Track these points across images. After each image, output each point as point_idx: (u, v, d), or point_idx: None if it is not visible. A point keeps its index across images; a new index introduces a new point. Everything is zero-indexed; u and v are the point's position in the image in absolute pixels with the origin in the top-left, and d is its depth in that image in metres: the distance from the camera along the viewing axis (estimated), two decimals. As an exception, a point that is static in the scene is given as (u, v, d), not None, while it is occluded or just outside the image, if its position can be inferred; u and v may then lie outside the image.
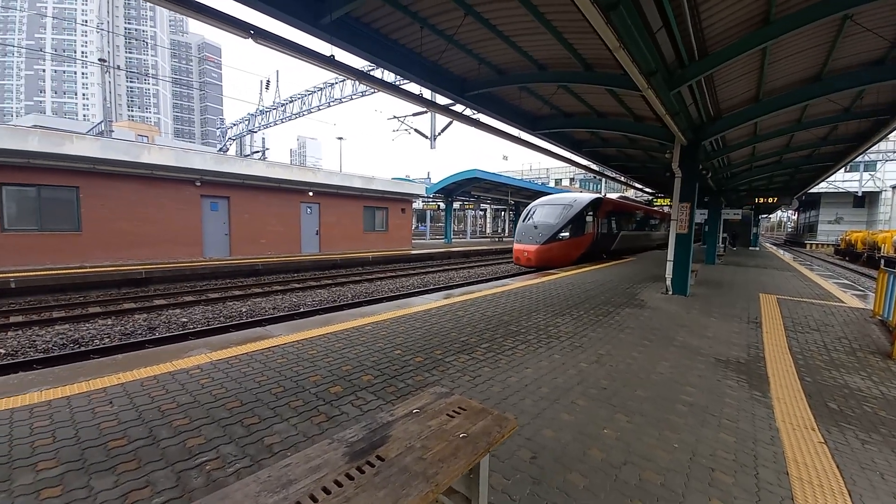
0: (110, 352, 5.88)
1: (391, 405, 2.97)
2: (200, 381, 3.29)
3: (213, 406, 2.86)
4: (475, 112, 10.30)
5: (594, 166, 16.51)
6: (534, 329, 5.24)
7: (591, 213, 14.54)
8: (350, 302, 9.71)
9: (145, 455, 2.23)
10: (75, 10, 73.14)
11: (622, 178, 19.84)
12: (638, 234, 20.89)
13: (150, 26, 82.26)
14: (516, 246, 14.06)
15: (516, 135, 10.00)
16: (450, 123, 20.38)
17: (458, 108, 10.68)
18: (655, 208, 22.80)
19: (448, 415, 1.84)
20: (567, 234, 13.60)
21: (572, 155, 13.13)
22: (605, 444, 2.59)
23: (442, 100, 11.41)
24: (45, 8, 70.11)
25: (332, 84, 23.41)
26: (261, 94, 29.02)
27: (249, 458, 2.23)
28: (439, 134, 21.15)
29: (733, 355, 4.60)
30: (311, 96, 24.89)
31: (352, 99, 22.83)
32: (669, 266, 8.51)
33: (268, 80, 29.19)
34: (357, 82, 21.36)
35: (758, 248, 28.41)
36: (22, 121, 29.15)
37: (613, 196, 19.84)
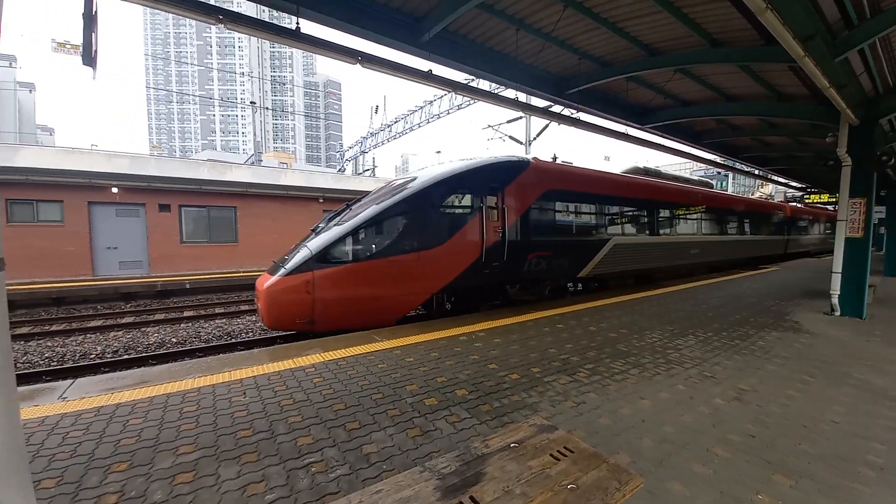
0: (251, 345, 6.93)
1: (486, 427, 2.81)
2: (314, 379, 3.59)
3: (322, 406, 3.07)
4: (575, 112, 9.67)
5: (718, 159, 13.83)
6: (648, 350, 4.56)
7: (472, 195, 6.41)
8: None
9: (264, 448, 2.46)
10: (235, 63, 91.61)
11: (757, 172, 16.43)
12: (668, 243, 10.51)
13: (289, 71, 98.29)
14: (258, 283, 5.82)
15: (622, 131, 9.08)
16: (546, 127, 19.54)
17: (557, 108, 10.14)
18: (731, 195, 16.18)
19: (552, 455, 1.61)
20: (369, 246, 5.79)
21: (690, 148, 11.29)
22: (759, 513, 2.02)
23: (539, 102, 11.00)
24: (212, 63, 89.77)
25: (431, 101, 24.59)
26: (371, 118, 32.02)
27: (349, 466, 2.29)
28: (535, 139, 20.47)
29: (945, 404, 3.35)
30: (412, 115, 26.52)
31: (449, 113, 23.62)
32: (836, 279, 6.71)
33: (377, 106, 32.22)
34: (454, 97, 22.14)
35: None
36: (198, 156, 37.35)
37: (618, 169, 10.71)
